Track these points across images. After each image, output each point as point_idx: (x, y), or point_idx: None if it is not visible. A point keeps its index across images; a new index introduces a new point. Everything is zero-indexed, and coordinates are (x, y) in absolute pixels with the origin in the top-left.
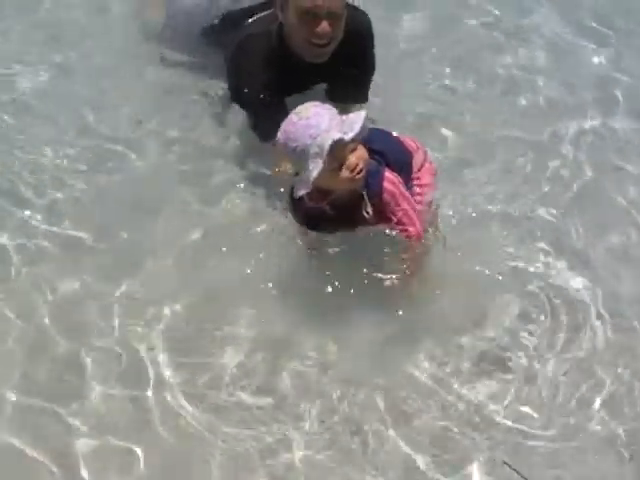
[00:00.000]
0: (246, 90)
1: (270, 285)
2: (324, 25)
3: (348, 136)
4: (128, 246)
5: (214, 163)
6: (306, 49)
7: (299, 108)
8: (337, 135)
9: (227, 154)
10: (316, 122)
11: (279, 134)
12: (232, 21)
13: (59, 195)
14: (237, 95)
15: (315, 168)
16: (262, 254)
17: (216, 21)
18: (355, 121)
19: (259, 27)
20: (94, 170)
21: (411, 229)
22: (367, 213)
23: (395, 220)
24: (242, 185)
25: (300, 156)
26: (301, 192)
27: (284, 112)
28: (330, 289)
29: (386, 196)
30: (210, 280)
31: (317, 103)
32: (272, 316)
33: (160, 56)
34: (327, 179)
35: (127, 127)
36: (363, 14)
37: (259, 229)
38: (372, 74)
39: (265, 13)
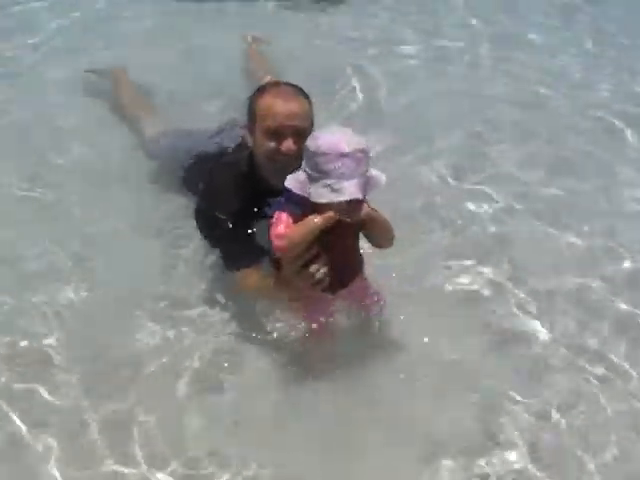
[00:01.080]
0: (215, 215)
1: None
2: (289, 143)
3: (360, 197)
4: None
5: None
6: (271, 168)
7: (353, 137)
8: (359, 194)
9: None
10: (355, 166)
11: (322, 138)
12: (206, 158)
13: None
14: (205, 220)
15: (320, 196)
16: None
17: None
18: (375, 186)
19: (229, 157)
20: None
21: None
22: None
23: None
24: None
25: (320, 170)
26: (291, 185)
27: (251, 240)
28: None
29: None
30: None
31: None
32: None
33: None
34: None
35: None
36: None
37: None
38: None
39: (234, 145)
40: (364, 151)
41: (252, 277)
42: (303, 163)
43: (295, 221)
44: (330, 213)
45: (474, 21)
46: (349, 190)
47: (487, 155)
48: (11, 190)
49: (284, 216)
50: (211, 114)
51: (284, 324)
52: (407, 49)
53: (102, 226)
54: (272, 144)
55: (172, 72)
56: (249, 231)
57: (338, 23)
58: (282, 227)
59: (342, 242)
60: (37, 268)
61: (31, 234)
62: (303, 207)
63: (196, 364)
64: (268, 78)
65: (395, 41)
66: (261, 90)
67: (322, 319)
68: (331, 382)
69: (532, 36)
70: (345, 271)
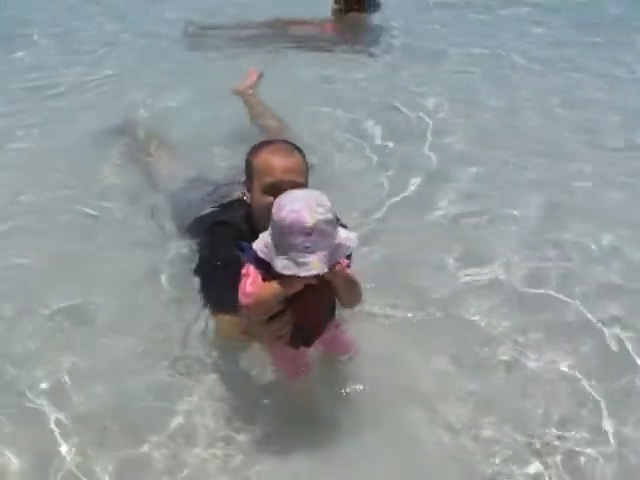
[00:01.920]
0: (212, 263)
1: None
2: None
3: (325, 271)
4: None
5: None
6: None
7: (317, 207)
8: (324, 268)
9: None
10: (320, 239)
11: (286, 209)
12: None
13: None
14: (201, 268)
15: (285, 268)
16: None
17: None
18: (346, 251)
19: (226, 215)
20: None
21: None
22: None
23: None
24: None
25: (285, 242)
26: (259, 249)
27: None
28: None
29: None
30: None
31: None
32: None
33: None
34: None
35: None
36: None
37: None
38: None
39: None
40: (329, 221)
41: (228, 323)
42: (269, 228)
43: (264, 274)
44: (296, 282)
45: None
46: (314, 264)
47: None
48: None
49: (252, 271)
50: (220, 158)
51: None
52: None
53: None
54: (270, 199)
55: (184, 116)
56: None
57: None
58: (249, 284)
59: (312, 300)
60: None
61: None
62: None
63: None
64: (272, 122)
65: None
66: (257, 148)
67: (294, 365)
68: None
69: None
70: (310, 330)
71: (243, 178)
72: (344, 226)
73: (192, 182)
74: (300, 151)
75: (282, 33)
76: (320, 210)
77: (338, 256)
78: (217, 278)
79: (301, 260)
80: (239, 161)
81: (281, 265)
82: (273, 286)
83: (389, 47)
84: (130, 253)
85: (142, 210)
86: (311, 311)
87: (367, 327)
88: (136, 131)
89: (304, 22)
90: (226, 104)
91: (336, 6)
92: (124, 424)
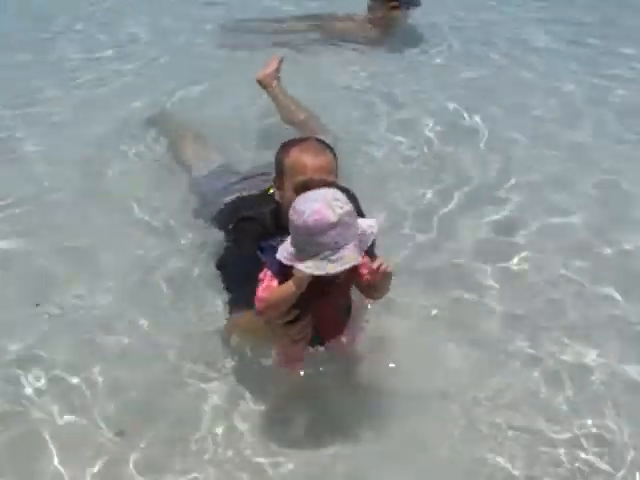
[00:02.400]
0: (235, 259)
1: None
2: None
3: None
4: None
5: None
6: None
7: (334, 202)
8: (358, 258)
9: None
10: (346, 231)
11: (307, 212)
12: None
13: None
14: (224, 263)
15: (317, 268)
16: None
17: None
18: (369, 239)
19: (252, 211)
20: None
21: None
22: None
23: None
24: None
25: (313, 244)
26: (283, 258)
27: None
28: None
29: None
30: None
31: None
32: None
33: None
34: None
35: None
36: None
37: None
38: None
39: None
40: (350, 213)
41: (243, 319)
42: (290, 236)
43: (282, 277)
44: (300, 274)
45: None
46: (349, 257)
47: None
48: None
49: (268, 276)
50: (245, 151)
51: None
52: None
53: None
54: None
55: (212, 108)
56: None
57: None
58: (261, 290)
59: (333, 301)
60: None
61: None
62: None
63: None
64: (299, 114)
65: None
66: (288, 145)
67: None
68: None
69: None
70: (329, 330)
71: (267, 171)
72: (361, 215)
73: (218, 172)
74: (331, 150)
75: (319, 29)
76: (339, 204)
77: (365, 245)
78: (237, 274)
79: (334, 257)
80: (264, 154)
81: (315, 267)
82: (284, 289)
83: (431, 46)
84: (156, 240)
85: (170, 199)
86: (328, 312)
87: (398, 320)
88: (166, 122)
89: (341, 18)
90: (254, 97)
91: (372, 2)
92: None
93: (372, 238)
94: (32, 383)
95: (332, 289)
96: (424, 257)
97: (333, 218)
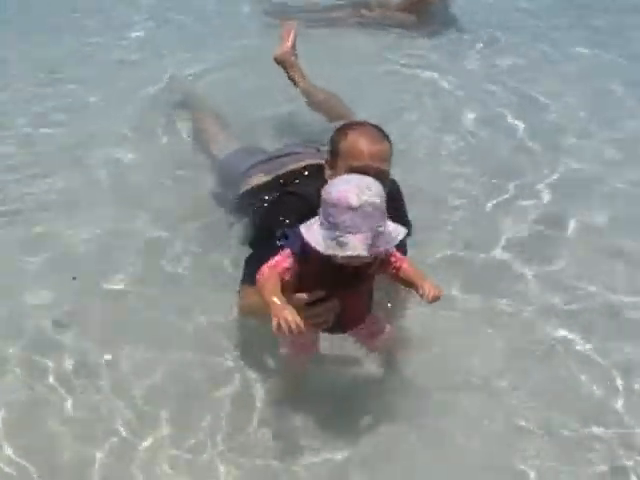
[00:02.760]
0: (266, 233)
1: None
2: None
3: (364, 254)
4: None
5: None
6: None
7: (366, 190)
8: (363, 251)
9: None
10: (361, 220)
11: (336, 187)
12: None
13: None
14: (258, 237)
15: (328, 248)
16: None
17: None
18: (388, 243)
19: (299, 187)
20: None
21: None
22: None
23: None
24: None
25: (330, 220)
26: (304, 233)
27: None
28: None
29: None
30: None
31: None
32: None
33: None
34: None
35: None
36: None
37: None
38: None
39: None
40: (375, 205)
41: (253, 296)
42: (320, 210)
43: (297, 263)
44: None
45: None
46: (353, 244)
47: None
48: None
49: (284, 254)
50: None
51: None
52: None
53: None
54: None
55: (240, 90)
56: None
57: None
58: (269, 264)
59: (357, 291)
60: None
61: None
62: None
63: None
64: (322, 96)
65: None
66: (346, 128)
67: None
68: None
69: None
70: (349, 318)
71: (296, 150)
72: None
73: (245, 151)
74: (388, 138)
75: (355, 14)
76: (368, 192)
77: (380, 244)
78: (263, 249)
79: (342, 239)
80: (287, 136)
81: (325, 245)
82: (268, 294)
83: (470, 33)
84: (183, 225)
85: (196, 180)
86: (352, 301)
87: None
88: (192, 103)
89: (377, 3)
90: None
91: None
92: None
93: (393, 243)
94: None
95: (358, 281)
96: (463, 250)
97: (354, 202)
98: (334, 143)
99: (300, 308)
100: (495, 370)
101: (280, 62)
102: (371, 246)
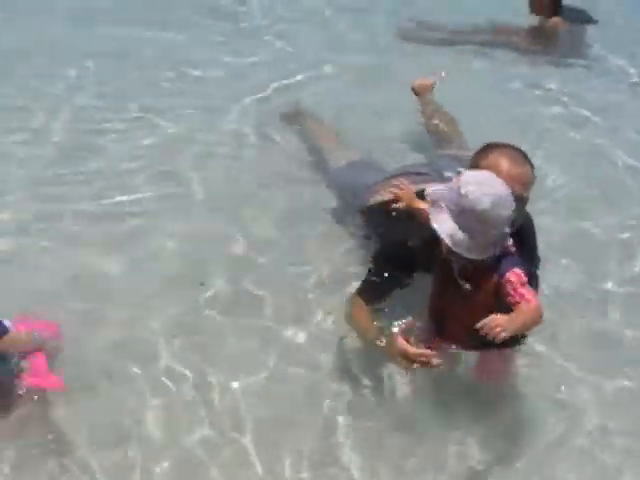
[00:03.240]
0: (385, 252)
1: None
2: None
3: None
4: None
5: None
6: None
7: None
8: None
9: None
10: (478, 230)
11: (473, 184)
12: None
13: None
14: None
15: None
16: None
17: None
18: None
19: None
20: None
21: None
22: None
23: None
24: None
25: (482, 226)
26: (445, 238)
27: (394, 286)
28: None
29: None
30: None
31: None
32: None
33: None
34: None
35: None
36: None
37: None
38: (536, 268)
39: None
40: (498, 221)
41: (361, 311)
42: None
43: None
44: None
45: None
46: (460, 244)
47: None
48: None
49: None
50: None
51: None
52: None
53: None
54: None
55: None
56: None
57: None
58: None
59: (465, 310)
60: None
61: None
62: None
63: None
64: (443, 126)
65: None
66: (490, 147)
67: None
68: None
69: None
70: (450, 336)
71: (421, 170)
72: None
73: (363, 166)
74: (531, 163)
75: (498, 40)
76: (502, 207)
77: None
78: (382, 269)
79: (457, 237)
80: (403, 157)
81: (443, 227)
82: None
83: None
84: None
85: (307, 194)
86: (457, 318)
87: None
88: (304, 116)
89: (505, 29)
90: (405, 99)
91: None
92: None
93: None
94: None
95: (467, 298)
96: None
97: (485, 205)
98: (475, 161)
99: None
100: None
101: (416, 93)
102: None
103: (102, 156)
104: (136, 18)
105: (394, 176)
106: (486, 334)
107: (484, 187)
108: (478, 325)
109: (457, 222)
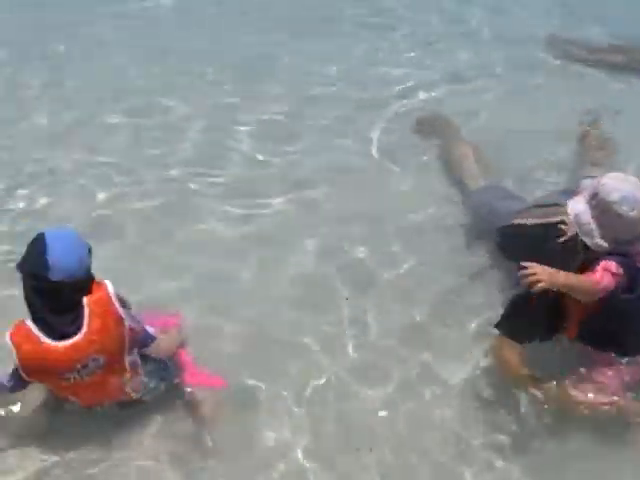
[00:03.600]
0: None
1: None
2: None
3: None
4: None
5: None
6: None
7: None
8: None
9: None
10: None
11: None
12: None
13: None
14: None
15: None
16: None
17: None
18: None
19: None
20: None
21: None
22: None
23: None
24: None
25: (608, 217)
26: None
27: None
28: None
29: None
30: None
31: None
32: None
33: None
34: None
35: None
36: None
37: None
38: None
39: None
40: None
41: (512, 355)
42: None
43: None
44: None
45: None
46: (591, 240)
47: None
48: None
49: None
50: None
51: None
52: None
53: None
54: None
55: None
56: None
57: None
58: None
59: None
60: None
61: None
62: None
63: None
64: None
65: None
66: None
67: None
68: None
69: None
70: None
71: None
72: None
73: (504, 192)
74: None
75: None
76: (632, 206)
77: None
78: (528, 306)
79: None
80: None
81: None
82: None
83: None
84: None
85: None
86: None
87: None
88: (444, 123)
89: None
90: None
91: None
92: None
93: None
94: None
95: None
96: None
97: (614, 197)
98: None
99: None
100: None
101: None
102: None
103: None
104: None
105: (536, 206)
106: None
107: (622, 184)
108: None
109: (589, 205)
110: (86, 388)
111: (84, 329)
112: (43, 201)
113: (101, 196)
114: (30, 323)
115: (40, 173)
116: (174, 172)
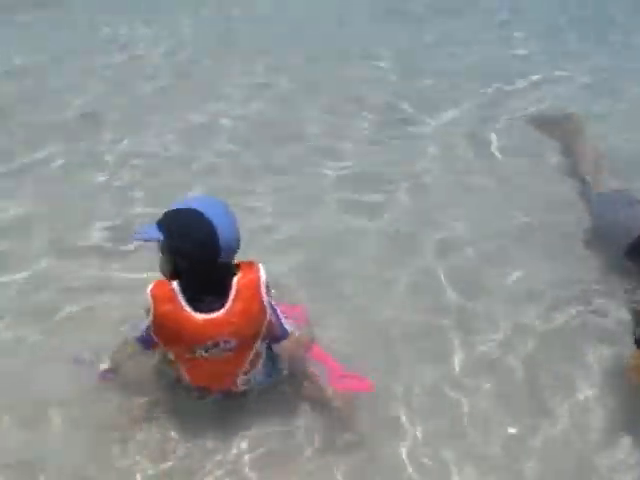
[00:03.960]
0: None
1: None
2: None
3: None
4: None
5: None
6: None
7: None
8: None
9: None
10: None
11: None
12: None
13: None
14: None
15: None
16: None
17: None
18: None
19: None
20: None
21: None
22: None
23: None
24: None
25: None
26: None
27: None
28: None
29: None
30: None
31: None
32: None
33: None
34: None
35: None
36: None
37: None
38: None
39: None
40: None
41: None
42: None
43: None
44: None
45: None
46: None
47: None
48: None
49: None
50: None
51: None
52: None
53: None
54: None
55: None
56: None
57: None
58: None
59: None
60: None
61: None
62: None
63: None
64: None
65: None
66: None
67: None
68: None
69: None
70: None
71: None
72: None
73: (629, 197)
74: None
75: None
76: None
77: None
78: None
79: None
80: None
81: None
82: None
83: None
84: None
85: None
86: None
87: None
88: (573, 129)
89: None
90: None
91: None
92: None
93: None
94: None
95: None
96: None
97: None
98: None
99: None
100: None
101: None
102: None
103: None
104: None
105: None
106: None
107: None
108: None
109: None
110: (203, 367)
111: (227, 307)
112: None
113: None
114: (176, 286)
115: None
116: None
